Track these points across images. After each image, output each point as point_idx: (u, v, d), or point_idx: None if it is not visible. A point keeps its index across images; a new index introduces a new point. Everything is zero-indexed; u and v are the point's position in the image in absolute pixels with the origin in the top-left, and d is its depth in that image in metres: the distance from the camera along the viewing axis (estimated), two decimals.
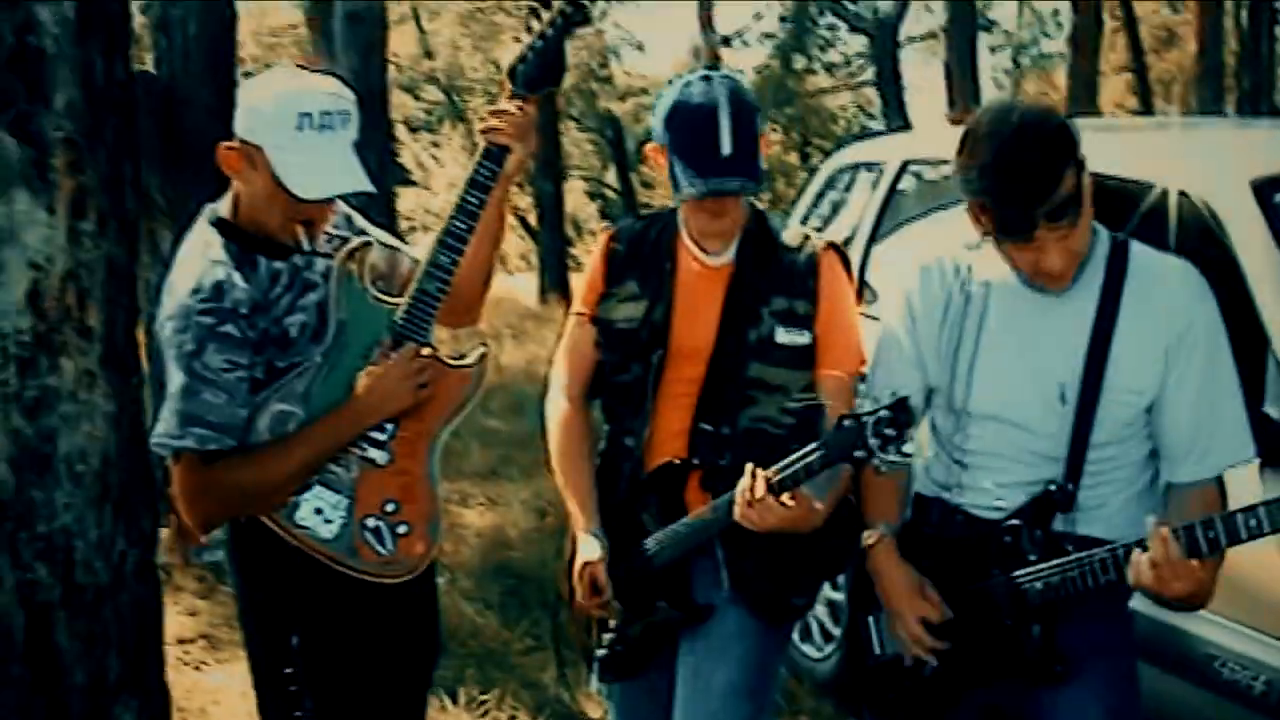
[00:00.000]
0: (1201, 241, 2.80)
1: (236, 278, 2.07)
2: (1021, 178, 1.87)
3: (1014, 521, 2.02)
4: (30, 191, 1.58)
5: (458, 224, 2.16)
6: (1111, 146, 3.34)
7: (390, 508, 2.16)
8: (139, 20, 6.21)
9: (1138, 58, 20.39)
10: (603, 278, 2.38)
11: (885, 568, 2.10)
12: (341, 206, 2.31)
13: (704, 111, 2.17)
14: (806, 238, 2.32)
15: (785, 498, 2.00)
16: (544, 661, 4.00)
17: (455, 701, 3.66)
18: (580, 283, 2.47)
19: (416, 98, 25.51)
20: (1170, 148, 3.35)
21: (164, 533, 2.30)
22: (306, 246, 2.17)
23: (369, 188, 2.10)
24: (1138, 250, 2.05)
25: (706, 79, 2.21)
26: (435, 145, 21.66)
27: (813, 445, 1.98)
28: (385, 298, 2.19)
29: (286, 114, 2.05)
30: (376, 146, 9.52)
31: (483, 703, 3.68)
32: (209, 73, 5.60)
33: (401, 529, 2.16)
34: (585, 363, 2.40)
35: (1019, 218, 1.89)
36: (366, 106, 9.81)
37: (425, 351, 2.17)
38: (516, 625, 4.32)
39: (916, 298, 2.13)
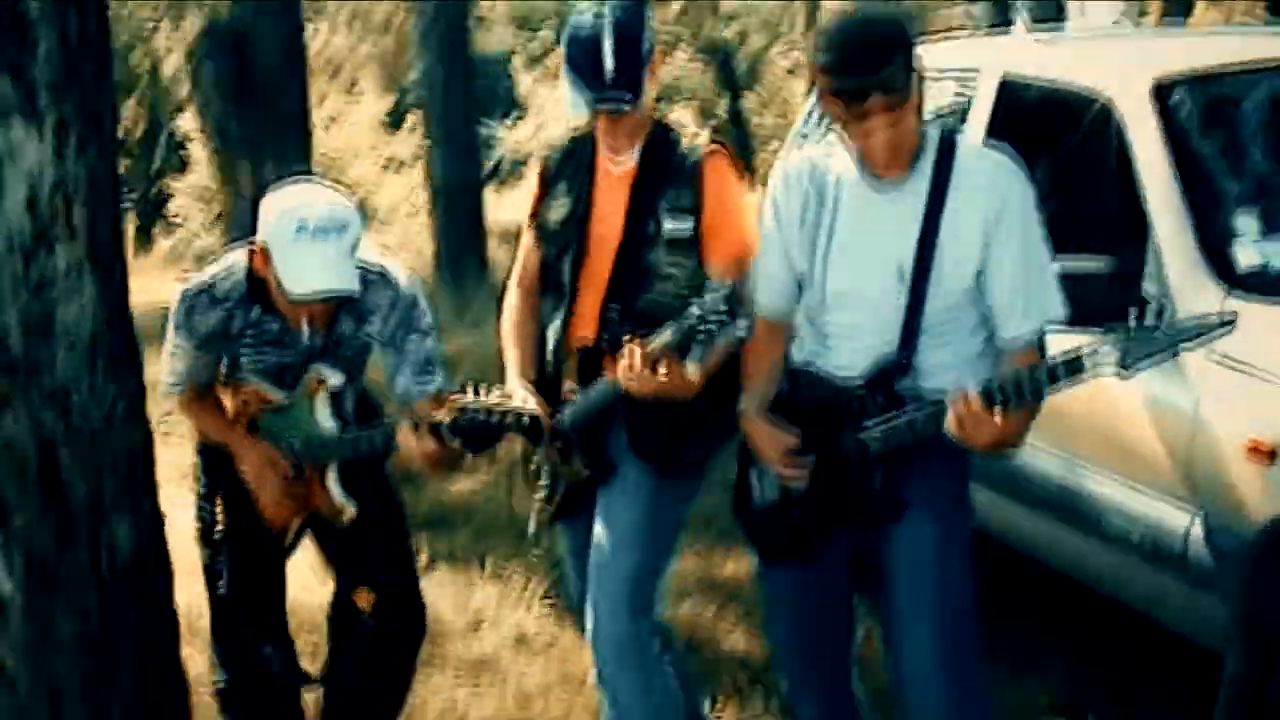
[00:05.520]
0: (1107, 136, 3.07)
1: (228, 307, 2.64)
2: (858, 48, 2.17)
3: (861, 387, 2.33)
4: (24, 120, 2.06)
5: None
6: (1056, 55, 3.64)
7: None
8: None
9: None
10: (540, 186, 2.74)
11: (752, 425, 2.43)
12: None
13: (591, 39, 2.49)
14: (697, 140, 2.63)
15: (660, 368, 2.37)
16: None
17: (483, 570, 4.18)
18: (525, 198, 2.84)
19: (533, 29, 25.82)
20: (1092, 55, 3.61)
21: None
22: (305, 341, 2.69)
23: (351, 289, 2.55)
24: (963, 145, 2.33)
25: (598, 10, 2.52)
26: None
27: (667, 326, 2.33)
28: (327, 428, 2.74)
29: (286, 226, 2.53)
30: (460, 77, 9.91)
31: (505, 569, 4.17)
32: (279, 16, 5.99)
33: None
34: (532, 260, 2.77)
35: (855, 87, 2.17)
36: (451, 40, 10.20)
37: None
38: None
39: (780, 199, 2.42)
